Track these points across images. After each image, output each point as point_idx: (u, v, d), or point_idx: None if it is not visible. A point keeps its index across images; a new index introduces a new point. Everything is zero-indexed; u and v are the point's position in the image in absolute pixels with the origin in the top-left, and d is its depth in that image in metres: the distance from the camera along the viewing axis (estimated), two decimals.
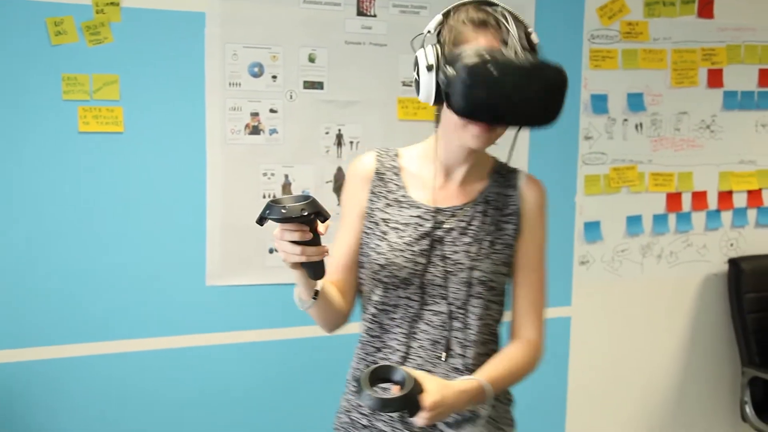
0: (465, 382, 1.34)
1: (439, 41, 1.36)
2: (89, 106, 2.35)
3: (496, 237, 1.45)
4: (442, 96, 1.31)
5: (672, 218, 3.15)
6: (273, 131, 2.55)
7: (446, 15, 1.38)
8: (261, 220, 1.21)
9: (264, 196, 2.56)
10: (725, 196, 3.22)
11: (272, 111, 2.55)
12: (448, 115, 1.35)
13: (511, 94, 1.25)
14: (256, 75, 2.52)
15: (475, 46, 1.30)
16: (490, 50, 1.26)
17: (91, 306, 2.42)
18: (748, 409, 3.09)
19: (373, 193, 1.49)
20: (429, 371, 1.40)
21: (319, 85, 2.59)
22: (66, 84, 2.32)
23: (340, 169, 2.64)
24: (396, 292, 1.44)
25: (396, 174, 1.49)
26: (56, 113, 2.33)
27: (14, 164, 2.31)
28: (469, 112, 1.28)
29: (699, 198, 3.18)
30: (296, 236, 1.21)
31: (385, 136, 2.68)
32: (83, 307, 2.41)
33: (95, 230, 2.40)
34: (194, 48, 2.45)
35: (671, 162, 3.12)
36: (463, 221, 1.45)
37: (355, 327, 2.71)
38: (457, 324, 1.43)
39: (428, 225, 1.44)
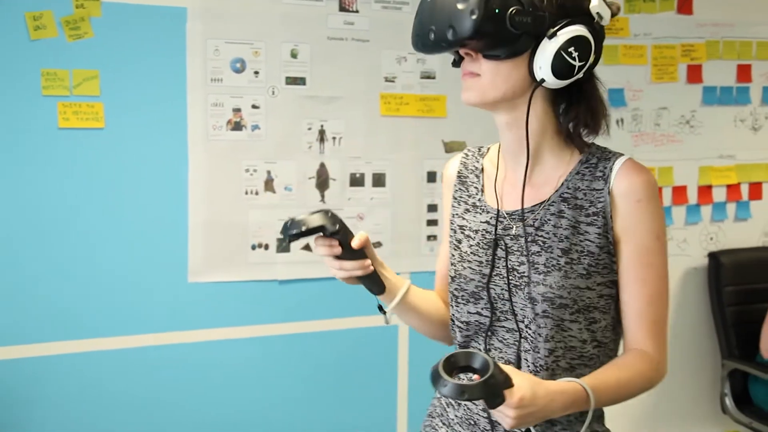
0: (563, 384, 1.15)
1: None
2: (69, 101, 2.33)
3: (572, 243, 1.23)
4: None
5: None
6: (255, 127, 2.54)
7: None
8: (283, 240, 1.29)
9: (246, 192, 2.55)
10: (705, 191, 3.25)
11: (254, 107, 2.54)
12: None
13: (419, 16, 1.23)
14: (238, 71, 2.51)
15: None
16: None
17: (72, 303, 2.40)
18: (728, 401, 3.12)
19: (455, 198, 1.41)
20: None
21: (301, 81, 2.59)
22: (45, 79, 2.30)
23: (322, 165, 2.63)
24: (466, 307, 1.33)
25: (477, 176, 1.39)
26: (36, 109, 2.30)
27: None
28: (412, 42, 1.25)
29: (679, 192, 3.21)
30: (323, 251, 1.25)
31: (368, 131, 2.67)
32: (64, 304, 2.39)
33: (76, 227, 2.38)
34: (176, 43, 2.43)
35: (652, 157, 3.15)
36: (532, 226, 1.27)
37: (340, 323, 2.72)
38: (526, 345, 1.27)
39: (494, 231, 1.31)
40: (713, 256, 3.22)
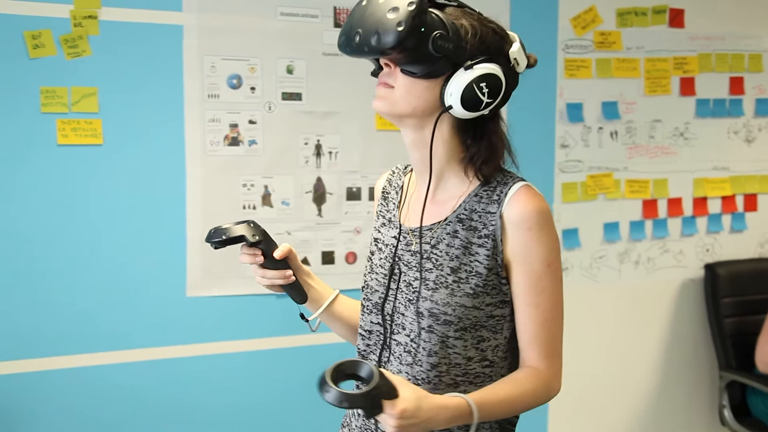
0: (448, 398, 1.19)
1: None
2: (68, 118, 2.36)
3: (462, 263, 1.27)
4: None
5: (648, 225, 3.19)
6: (252, 142, 2.57)
7: None
8: (212, 245, 1.35)
9: (244, 207, 2.57)
10: (700, 203, 3.27)
11: (251, 122, 2.56)
12: None
13: (349, 21, 1.24)
14: (234, 87, 2.54)
15: None
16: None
17: (70, 318, 2.41)
18: (727, 413, 3.12)
19: (378, 212, 1.47)
20: None
21: (297, 96, 2.61)
22: (44, 97, 2.32)
23: (319, 180, 2.66)
24: (369, 317, 1.38)
25: (397, 192, 1.45)
26: (35, 126, 2.33)
27: None
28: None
29: (674, 204, 3.23)
30: (246, 259, 1.36)
31: (364, 146, 2.70)
32: (63, 319, 2.40)
33: (75, 242, 2.40)
34: (173, 60, 2.46)
35: (646, 169, 3.17)
36: (428, 243, 1.31)
37: (338, 336, 2.71)
38: (408, 358, 1.31)
39: (400, 247, 1.36)
40: (709, 268, 3.24)
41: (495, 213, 1.26)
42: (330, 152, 2.66)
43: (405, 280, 1.33)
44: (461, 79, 1.21)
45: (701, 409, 3.35)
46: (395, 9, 1.16)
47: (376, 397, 1.11)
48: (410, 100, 1.24)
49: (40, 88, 2.32)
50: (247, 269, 2.58)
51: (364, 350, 1.40)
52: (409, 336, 1.31)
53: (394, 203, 1.43)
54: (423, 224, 1.32)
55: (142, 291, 2.47)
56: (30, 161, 2.33)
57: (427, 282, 1.28)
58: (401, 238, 1.36)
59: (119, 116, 2.41)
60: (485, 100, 1.23)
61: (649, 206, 3.18)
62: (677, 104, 3.21)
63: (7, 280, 2.34)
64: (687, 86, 3.21)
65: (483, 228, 1.27)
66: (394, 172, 1.50)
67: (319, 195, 2.66)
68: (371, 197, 2.72)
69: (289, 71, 2.60)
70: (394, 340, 1.34)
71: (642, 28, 3.12)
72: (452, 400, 1.19)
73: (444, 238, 1.29)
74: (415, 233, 1.34)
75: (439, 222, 1.31)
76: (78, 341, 2.43)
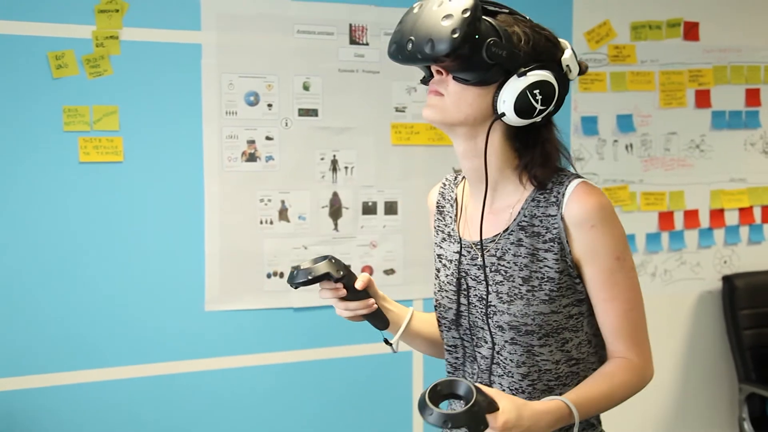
0: (546, 403, 1.19)
1: None
2: (90, 136, 2.41)
3: (532, 271, 1.26)
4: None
5: (665, 237, 3.19)
6: (269, 158, 2.61)
7: None
8: (294, 287, 1.32)
9: (261, 222, 2.61)
10: (717, 214, 3.26)
11: (268, 138, 2.61)
12: None
13: (400, 29, 1.22)
14: (252, 104, 2.58)
15: None
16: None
17: (91, 332, 2.45)
18: (747, 426, 3.10)
19: (435, 228, 1.45)
20: None
21: (313, 113, 2.65)
22: (67, 116, 2.38)
23: (335, 194, 2.69)
24: (450, 333, 1.39)
25: (452, 205, 1.42)
26: (57, 144, 2.39)
27: (17, 195, 2.36)
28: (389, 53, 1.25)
29: (691, 216, 3.22)
30: (328, 295, 1.32)
31: (380, 160, 2.73)
32: (84, 334, 2.44)
33: (96, 258, 2.45)
34: (191, 78, 2.51)
35: (662, 181, 3.17)
36: (494, 256, 1.30)
37: (355, 350, 2.74)
38: (498, 370, 1.32)
39: (465, 261, 1.35)
40: (727, 280, 3.23)
41: (556, 215, 1.25)
42: (346, 167, 2.70)
43: (476, 295, 1.32)
44: (514, 86, 1.20)
45: (721, 422, 3.33)
46: (449, 16, 1.15)
47: (478, 413, 1.10)
48: (462, 107, 1.23)
49: (62, 107, 2.38)
50: (265, 283, 2.61)
51: (454, 363, 1.41)
52: (492, 349, 1.31)
53: (450, 217, 1.42)
54: (484, 236, 1.31)
55: (162, 306, 2.51)
56: (53, 178, 2.39)
57: (500, 295, 1.28)
58: (464, 253, 1.35)
59: (139, 134, 2.46)
60: (538, 107, 1.21)
61: (666, 218, 3.18)
62: (693, 116, 3.21)
63: (30, 295, 2.39)
64: (702, 98, 3.21)
65: (546, 232, 1.25)
66: (445, 185, 1.48)
67: (335, 209, 2.69)
68: (387, 211, 2.75)
69: (306, 88, 2.64)
70: (479, 353, 1.34)
71: (656, 42, 3.13)
72: (551, 403, 1.19)
73: (509, 249, 1.28)
74: (477, 246, 1.32)
75: (500, 233, 1.30)
76: (98, 355, 2.47)
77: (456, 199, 1.42)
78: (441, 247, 1.42)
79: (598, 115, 3.06)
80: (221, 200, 2.56)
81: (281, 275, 2.63)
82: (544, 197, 1.27)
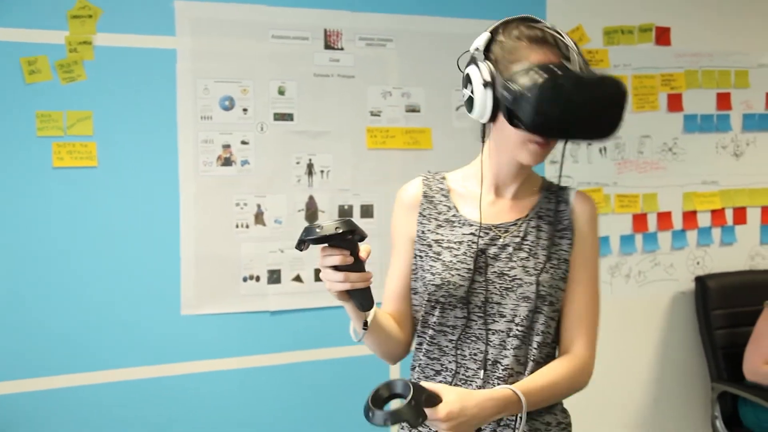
0: (493, 390, 1.31)
1: (489, 58, 1.35)
2: (63, 141, 2.41)
3: (552, 252, 1.43)
4: (498, 112, 1.34)
5: (639, 238, 3.23)
6: (245, 162, 2.62)
7: (494, 32, 1.38)
8: (300, 244, 1.24)
9: (237, 226, 2.62)
10: (690, 216, 3.31)
11: (243, 143, 2.61)
12: (503, 131, 1.36)
13: (579, 108, 1.26)
14: (227, 108, 2.59)
15: (537, 61, 1.30)
16: (559, 66, 1.27)
17: (67, 338, 2.44)
18: (719, 424, 3.14)
19: (422, 215, 1.49)
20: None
21: (289, 117, 2.66)
22: (40, 121, 2.38)
23: (311, 198, 2.70)
24: (453, 312, 1.42)
25: (445, 195, 1.50)
26: (31, 150, 2.38)
27: None
28: (541, 127, 1.27)
29: (664, 218, 3.27)
30: (336, 260, 1.24)
31: (355, 164, 2.75)
32: (58, 339, 2.44)
33: (70, 263, 2.44)
34: (166, 83, 2.51)
35: (636, 184, 3.21)
36: (517, 237, 1.43)
37: (331, 352, 2.75)
38: (515, 342, 1.40)
39: (482, 242, 1.42)
40: (700, 280, 3.27)
41: (566, 210, 1.46)
42: (322, 171, 2.71)
43: (494, 272, 1.41)
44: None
45: (693, 421, 3.37)
46: (623, 99, 1.30)
47: (414, 407, 1.20)
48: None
49: (36, 113, 2.38)
50: (241, 287, 2.61)
51: (447, 346, 1.44)
52: (512, 322, 1.40)
53: (446, 205, 1.49)
54: (506, 220, 1.46)
55: (137, 310, 2.51)
56: (26, 184, 2.38)
57: (527, 269, 1.41)
58: (484, 234, 1.44)
59: (114, 139, 2.46)
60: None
61: (639, 220, 3.22)
62: (665, 120, 3.25)
63: (8, 301, 2.38)
64: (674, 102, 3.26)
65: (559, 222, 1.45)
66: (428, 178, 1.53)
67: (312, 213, 2.70)
68: (363, 214, 2.76)
69: (281, 92, 2.66)
70: (489, 329, 1.41)
71: (629, 46, 3.17)
72: (498, 392, 1.31)
73: (531, 231, 1.44)
74: (499, 228, 1.45)
75: (524, 217, 1.46)
76: (74, 360, 2.46)
77: (448, 190, 1.50)
78: (437, 233, 1.46)
79: None
80: (197, 204, 2.56)
81: (257, 279, 2.64)
82: (553, 196, 1.48)
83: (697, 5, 3.29)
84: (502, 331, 1.41)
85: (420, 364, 1.48)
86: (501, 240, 1.43)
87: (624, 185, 3.19)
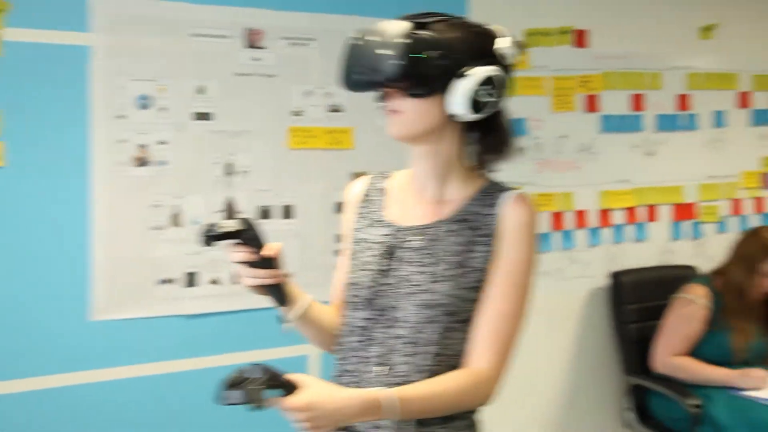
0: (364, 391, 1.29)
1: None
2: None
3: (465, 258, 1.38)
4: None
5: (556, 236, 3.32)
6: (162, 163, 2.57)
7: None
8: (205, 241, 1.30)
9: (153, 227, 2.57)
10: (605, 214, 3.42)
11: (161, 143, 2.57)
12: None
13: (344, 65, 1.39)
14: (144, 107, 2.54)
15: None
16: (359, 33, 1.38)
17: None
18: (631, 416, 3.27)
19: (360, 215, 1.52)
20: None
21: (208, 116, 2.63)
22: None
23: (230, 199, 2.68)
24: (357, 313, 1.43)
25: (381, 195, 1.52)
26: None
27: None
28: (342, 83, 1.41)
29: (581, 216, 3.36)
30: (240, 257, 1.32)
31: (276, 165, 2.73)
32: None
33: None
34: (79, 81, 2.45)
35: (554, 183, 3.30)
36: (425, 241, 1.40)
37: (249, 356, 2.73)
38: (412, 349, 1.37)
39: (395, 244, 1.42)
40: (614, 276, 3.38)
41: (492, 215, 1.38)
42: (242, 171, 2.69)
43: (400, 276, 1.40)
44: (462, 87, 1.33)
45: (607, 414, 3.49)
46: (390, 44, 1.30)
47: (253, 391, 1.19)
48: (423, 119, 1.37)
49: None
50: (156, 290, 2.57)
51: (356, 346, 1.43)
52: (408, 328, 1.37)
53: (378, 205, 1.51)
54: (424, 222, 1.42)
55: (45, 316, 2.43)
56: None
57: (430, 275, 1.37)
58: (397, 236, 1.43)
59: (23, 138, 2.38)
60: (486, 100, 1.34)
61: (557, 219, 3.31)
62: (583, 120, 3.34)
63: None
64: (592, 103, 3.35)
65: (482, 228, 1.39)
66: (373, 177, 1.57)
67: (230, 214, 2.68)
68: (284, 215, 2.76)
69: (201, 91, 2.62)
70: (390, 333, 1.39)
71: (548, 48, 3.24)
72: (367, 392, 1.28)
73: (446, 236, 1.40)
74: (413, 230, 1.42)
75: (441, 220, 1.42)
76: None
77: (385, 190, 1.52)
78: (366, 232, 1.48)
79: None
80: (110, 206, 2.50)
81: (173, 282, 2.60)
82: (487, 198, 1.41)
83: (615, 8, 3.39)
84: (401, 337, 1.38)
85: (334, 364, 1.50)
86: (412, 243, 1.41)
87: (542, 185, 3.27)
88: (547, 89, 3.25)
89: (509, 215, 1.38)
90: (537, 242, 1.42)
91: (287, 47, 2.75)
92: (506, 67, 1.39)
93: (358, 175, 2.79)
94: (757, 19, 3.72)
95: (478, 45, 1.37)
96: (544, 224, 3.28)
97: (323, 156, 2.82)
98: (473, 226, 1.39)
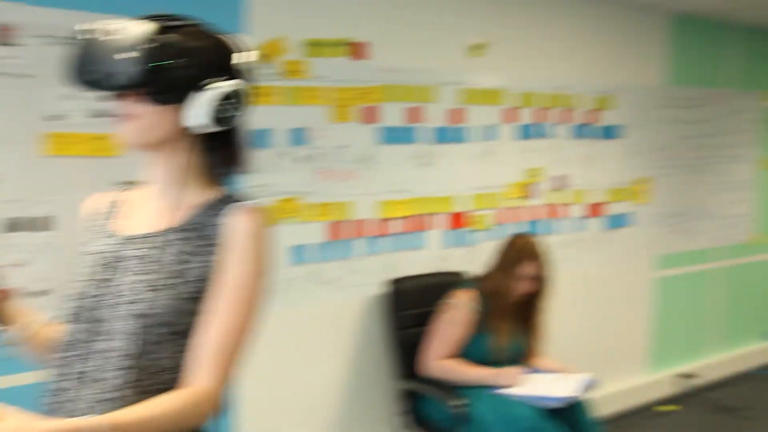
0: (68, 421, 1.17)
1: None
2: None
3: (187, 269, 1.33)
4: None
5: (335, 246, 3.36)
6: None
7: None
8: None
9: None
10: (383, 223, 3.51)
11: None
12: None
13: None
14: None
15: None
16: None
17: None
18: (403, 420, 3.38)
19: (90, 229, 1.49)
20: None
21: None
22: None
23: None
24: (71, 327, 1.36)
25: (113, 207, 1.48)
26: None
27: None
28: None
29: (360, 226, 3.43)
30: None
31: (29, 173, 2.52)
32: None
33: None
34: None
35: (334, 192, 3.34)
36: (147, 249, 1.36)
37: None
38: (122, 362, 1.30)
39: (115, 253, 1.37)
40: (392, 283, 3.49)
41: (219, 225, 1.35)
42: None
43: (114, 286, 1.35)
44: (200, 99, 1.31)
45: (381, 418, 3.58)
46: (131, 47, 1.25)
47: None
48: (159, 127, 1.33)
49: None
50: None
51: (71, 361, 1.35)
52: (120, 340, 1.30)
53: (106, 217, 1.47)
54: (152, 231, 1.38)
55: None
56: None
57: (150, 283, 1.32)
58: (122, 246, 1.39)
59: None
60: (227, 115, 1.34)
61: (336, 228, 3.35)
62: (362, 131, 3.41)
63: None
64: (371, 115, 3.43)
65: (207, 239, 1.35)
66: (108, 190, 1.55)
67: None
68: (40, 228, 2.55)
69: None
70: (103, 346, 1.32)
71: (328, 59, 3.27)
72: (70, 422, 1.15)
73: (167, 245, 1.36)
74: (138, 239, 1.38)
75: (170, 229, 1.38)
76: None
77: (120, 201, 1.49)
78: (90, 245, 1.45)
79: (272, 128, 3.12)
80: None
81: None
82: (218, 208, 1.38)
83: (395, 24, 3.49)
84: (114, 350, 1.31)
85: (50, 381, 1.40)
86: (136, 252, 1.37)
87: (322, 194, 3.30)
88: (327, 99, 3.28)
89: (235, 226, 1.35)
90: (266, 254, 1.38)
91: (45, 46, 2.54)
92: (248, 81, 1.39)
93: (128, 183, 2.69)
94: (523, 40, 4.01)
95: (222, 56, 1.37)
96: (323, 234, 3.31)
97: (88, 164, 2.65)
98: (201, 235, 1.37)
